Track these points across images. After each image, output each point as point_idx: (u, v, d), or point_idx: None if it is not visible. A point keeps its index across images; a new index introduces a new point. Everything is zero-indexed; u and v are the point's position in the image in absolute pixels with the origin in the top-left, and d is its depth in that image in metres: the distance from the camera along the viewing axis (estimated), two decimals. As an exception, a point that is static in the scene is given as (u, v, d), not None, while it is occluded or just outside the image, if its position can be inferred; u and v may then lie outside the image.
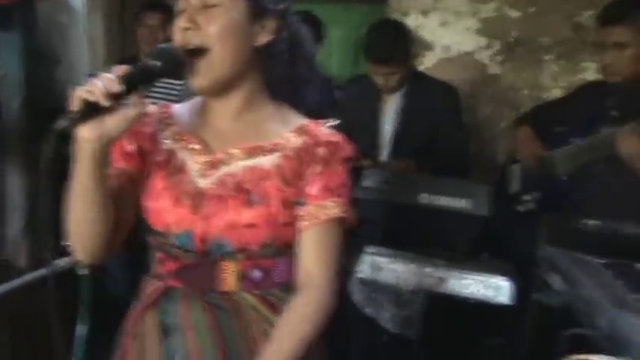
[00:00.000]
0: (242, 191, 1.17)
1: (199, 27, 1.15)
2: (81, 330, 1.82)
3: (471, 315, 2.30)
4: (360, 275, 2.35)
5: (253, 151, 1.20)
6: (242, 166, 1.19)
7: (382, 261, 2.32)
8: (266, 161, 1.19)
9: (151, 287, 1.25)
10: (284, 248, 1.20)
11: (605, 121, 2.09)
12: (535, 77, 3.32)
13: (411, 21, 3.56)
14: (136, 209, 1.22)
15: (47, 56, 3.68)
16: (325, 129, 1.23)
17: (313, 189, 1.19)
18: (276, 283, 1.22)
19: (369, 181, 2.30)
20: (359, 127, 2.59)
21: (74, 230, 1.14)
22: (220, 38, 1.14)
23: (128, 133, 1.14)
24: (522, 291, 2.12)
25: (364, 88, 2.72)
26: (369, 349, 2.41)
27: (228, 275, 1.18)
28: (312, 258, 1.19)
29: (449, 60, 3.58)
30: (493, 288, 2.20)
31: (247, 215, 1.15)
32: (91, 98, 1.02)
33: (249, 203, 1.16)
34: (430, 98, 2.65)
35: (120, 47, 4.02)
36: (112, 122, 1.05)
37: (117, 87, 1.03)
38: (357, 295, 2.37)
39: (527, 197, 2.40)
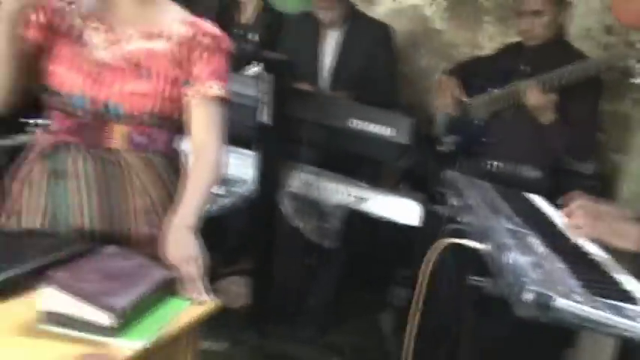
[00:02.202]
0: (138, 66, 1.42)
1: None
2: None
3: (385, 232, 2.61)
4: (290, 190, 2.61)
5: (148, 35, 1.45)
6: (138, 45, 1.44)
7: (311, 178, 2.59)
8: (158, 44, 1.44)
9: (44, 139, 1.48)
10: (166, 120, 1.46)
11: (518, 75, 2.37)
12: (474, 36, 3.58)
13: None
14: (38, 75, 1.43)
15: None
16: (209, 24, 1.49)
17: (199, 71, 1.45)
18: (157, 150, 1.47)
19: (306, 105, 2.54)
20: (301, 57, 2.86)
21: None
22: None
23: (41, 7, 1.37)
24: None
25: (308, 23, 2.96)
26: (292, 251, 2.69)
27: (118, 136, 1.43)
28: (203, 129, 1.46)
29: (398, 10, 3.81)
30: (405, 210, 2.50)
31: (139, 86, 1.41)
32: None
33: (141, 76, 1.41)
34: (366, 35, 2.91)
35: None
36: None
37: None
38: (287, 208, 2.63)
39: (447, 139, 2.68)
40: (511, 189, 1.93)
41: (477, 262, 1.43)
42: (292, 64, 2.70)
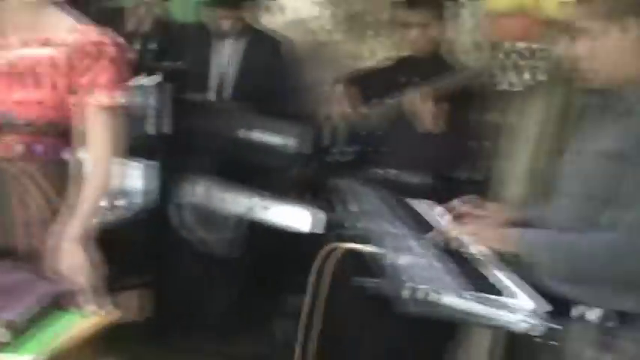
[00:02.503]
0: (26, 74, 1.42)
1: None
2: None
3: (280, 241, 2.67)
4: (188, 200, 2.63)
5: (32, 43, 1.44)
6: (26, 53, 1.43)
7: (207, 189, 2.61)
8: (45, 52, 1.44)
9: None
10: (58, 128, 1.46)
11: (408, 86, 2.52)
12: (358, 49, 3.73)
13: (263, -19, 3.82)
14: None
15: None
16: (96, 31, 1.49)
17: (84, 80, 1.45)
18: (51, 159, 1.47)
19: (200, 115, 2.57)
20: (197, 67, 2.90)
21: None
22: None
23: None
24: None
25: (201, 34, 3.01)
26: (190, 261, 2.71)
27: (9, 145, 1.43)
28: (95, 140, 1.46)
29: (296, 22, 3.90)
30: (297, 218, 2.58)
31: (30, 94, 1.41)
32: None
33: (31, 84, 1.42)
34: (261, 47, 3.01)
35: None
36: None
37: None
38: (179, 217, 2.64)
39: (343, 148, 2.78)
40: (396, 195, 2.05)
41: (364, 265, 1.53)
42: (190, 73, 2.73)
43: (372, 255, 1.48)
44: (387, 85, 2.61)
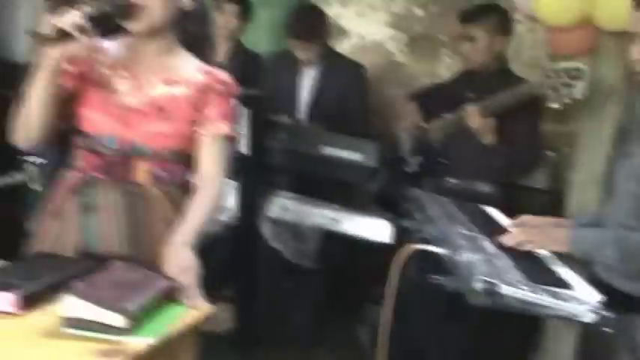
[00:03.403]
0: (160, 109, 1.60)
1: None
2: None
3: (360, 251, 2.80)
4: (270, 215, 2.81)
5: (170, 82, 1.63)
6: (161, 91, 1.62)
7: (288, 203, 2.79)
8: (178, 90, 1.63)
9: (72, 176, 1.64)
10: (184, 156, 1.64)
11: (466, 101, 2.63)
12: (432, 67, 3.86)
13: (332, 10, 4.02)
14: (68, 117, 1.62)
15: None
16: (221, 72, 1.68)
17: (210, 113, 1.63)
18: (175, 183, 1.65)
19: (282, 135, 2.76)
20: (280, 92, 3.11)
21: (22, 119, 1.56)
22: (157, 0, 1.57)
23: (74, 58, 1.55)
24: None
25: (286, 61, 3.20)
26: (273, 274, 2.87)
27: (142, 171, 1.61)
28: (208, 163, 1.64)
29: (363, 47, 4.08)
30: (376, 229, 2.71)
31: (162, 127, 1.60)
32: (63, 27, 1.42)
33: (164, 118, 1.60)
34: (340, 73, 3.17)
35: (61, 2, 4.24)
36: (73, 47, 1.46)
37: (83, 22, 1.44)
38: (267, 231, 2.83)
39: (411, 160, 2.91)
40: (467, 202, 2.16)
41: (438, 265, 1.64)
42: (267, 98, 2.92)
43: (445, 255, 1.59)
44: (450, 100, 2.73)
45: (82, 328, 1.23)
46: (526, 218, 1.84)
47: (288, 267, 2.83)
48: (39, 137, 1.58)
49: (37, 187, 2.38)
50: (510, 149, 2.56)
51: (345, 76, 3.16)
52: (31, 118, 1.54)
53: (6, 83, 3.75)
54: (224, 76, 1.68)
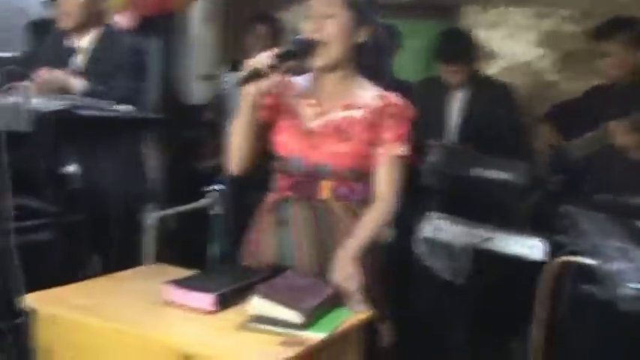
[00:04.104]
0: (339, 131, 1.81)
1: (322, 28, 1.79)
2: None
3: (512, 269, 2.84)
4: (423, 234, 2.94)
5: (348, 107, 1.84)
6: (340, 115, 1.83)
7: (441, 223, 2.90)
8: (356, 114, 1.82)
9: (271, 197, 1.91)
10: (363, 175, 1.83)
11: (607, 116, 2.61)
12: (586, 84, 3.80)
13: (479, 34, 4.12)
14: (266, 143, 1.88)
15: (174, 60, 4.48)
16: (396, 96, 1.86)
17: (386, 134, 1.81)
18: (356, 199, 1.84)
19: (434, 158, 2.90)
20: (431, 116, 3.24)
21: (233, 150, 1.84)
22: (336, 37, 1.79)
23: (269, 92, 1.80)
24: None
25: (435, 86, 3.35)
26: (427, 291, 2.99)
27: (325, 189, 1.82)
28: (384, 181, 1.82)
29: (512, 68, 4.12)
30: (529, 247, 2.74)
31: (342, 147, 1.79)
32: (257, 66, 1.69)
33: (343, 139, 1.80)
34: (489, 94, 3.26)
35: (228, 54, 4.73)
36: (266, 83, 1.72)
37: (273, 61, 1.70)
38: (420, 250, 2.96)
39: (553, 179, 2.92)
40: (623, 218, 2.15)
41: (591, 276, 1.69)
42: (417, 123, 3.07)
43: (596, 266, 1.65)
44: (587, 116, 2.72)
45: (266, 323, 1.46)
46: None
47: (442, 284, 2.93)
48: (248, 164, 1.86)
49: (218, 211, 2.72)
50: None
51: (494, 98, 3.24)
52: (239, 148, 1.83)
53: (186, 123, 4.30)
54: (398, 100, 1.84)
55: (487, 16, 4.13)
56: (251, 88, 1.72)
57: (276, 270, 1.72)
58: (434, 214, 2.93)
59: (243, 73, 1.70)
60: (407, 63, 4.17)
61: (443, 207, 2.94)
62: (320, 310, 1.52)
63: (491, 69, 4.11)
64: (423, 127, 3.20)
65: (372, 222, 1.78)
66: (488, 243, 2.82)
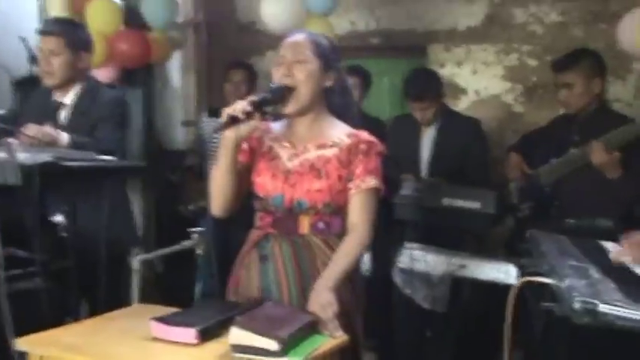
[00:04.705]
0: (314, 169, 1.94)
1: (293, 74, 1.93)
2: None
3: (486, 293, 2.95)
4: (400, 265, 3.05)
5: (321, 146, 1.97)
6: (314, 154, 1.96)
7: (417, 254, 3.02)
8: (328, 152, 1.95)
9: (254, 234, 2.02)
10: (338, 209, 1.95)
11: (571, 143, 2.78)
12: (551, 113, 3.98)
13: (447, 70, 4.32)
14: (247, 184, 1.99)
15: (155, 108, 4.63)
16: (365, 134, 1.99)
17: (358, 169, 1.93)
18: (333, 233, 1.95)
19: (406, 191, 3.03)
20: (403, 152, 3.40)
21: (215, 193, 1.94)
22: (305, 82, 1.93)
23: (248, 137, 1.92)
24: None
25: (407, 123, 3.53)
26: (407, 318, 3.09)
27: (304, 224, 1.94)
28: (357, 213, 1.93)
29: (480, 102, 4.30)
30: (504, 272, 2.86)
31: (317, 184, 1.92)
32: (234, 114, 1.82)
33: (318, 177, 1.92)
34: (458, 129, 3.44)
35: (207, 100, 4.87)
36: (244, 128, 1.85)
37: (248, 108, 1.83)
38: (399, 280, 3.07)
39: (523, 206, 3.06)
40: (585, 239, 2.28)
41: (549, 294, 1.81)
42: (390, 159, 3.21)
43: (553, 284, 1.76)
44: (553, 144, 2.88)
45: (246, 352, 1.55)
46: (636, 235, 1.95)
47: (422, 313, 3.03)
48: (229, 206, 1.97)
49: (200, 251, 2.83)
50: (628, 182, 2.65)
51: (462, 132, 3.42)
52: (221, 191, 1.93)
53: (169, 168, 4.42)
54: (367, 136, 1.98)
55: (452, 54, 4.33)
56: (230, 134, 1.85)
57: (258, 303, 1.82)
58: (409, 245, 3.06)
59: (221, 120, 1.83)
60: (378, 100, 4.36)
61: (418, 238, 3.06)
62: (296, 338, 1.61)
63: (461, 104, 4.30)
64: (397, 162, 3.38)
65: (348, 253, 1.89)
66: (463, 270, 2.94)
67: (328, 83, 1.98)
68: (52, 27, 2.78)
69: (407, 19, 4.41)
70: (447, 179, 3.27)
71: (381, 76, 4.33)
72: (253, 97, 1.87)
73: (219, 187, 1.93)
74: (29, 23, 4.41)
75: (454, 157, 3.38)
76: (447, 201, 2.93)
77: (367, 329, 3.34)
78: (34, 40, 3.09)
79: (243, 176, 1.97)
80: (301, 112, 1.97)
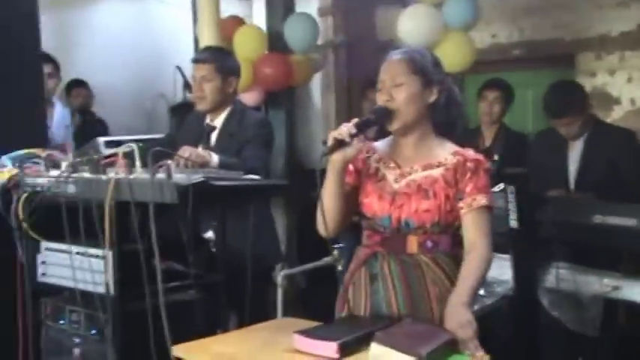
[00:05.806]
0: (421, 190, 1.93)
1: (393, 98, 1.94)
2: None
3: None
4: (546, 285, 2.92)
5: (427, 166, 1.96)
6: (420, 175, 1.96)
7: (564, 273, 2.87)
8: (435, 172, 1.95)
9: (362, 252, 2.03)
10: (446, 228, 1.93)
11: None
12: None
13: (599, 79, 4.09)
14: (354, 205, 2.02)
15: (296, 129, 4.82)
16: (471, 151, 1.96)
17: (468, 188, 1.91)
18: (441, 251, 1.94)
19: (555, 208, 2.90)
20: (550, 167, 3.30)
21: (323, 215, 1.96)
22: (405, 104, 1.94)
23: (354, 159, 1.95)
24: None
25: (552, 137, 3.37)
26: (555, 341, 2.94)
27: (412, 243, 1.93)
28: (473, 231, 1.90)
29: (636, 112, 4.02)
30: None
31: (424, 205, 1.91)
32: (340, 137, 1.85)
33: (425, 197, 1.92)
34: (609, 142, 3.23)
35: (347, 120, 4.97)
36: (350, 151, 1.87)
37: (354, 130, 1.86)
38: (545, 301, 2.93)
39: None
40: None
41: None
42: (534, 175, 3.10)
43: None
44: None
45: (387, 369, 1.57)
46: None
47: (571, 336, 2.87)
48: (337, 227, 2.00)
49: (340, 266, 2.88)
50: None
51: (613, 144, 3.21)
52: (328, 213, 1.96)
53: (312, 187, 4.56)
54: (474, 154, 1.97)
55: (604, 62, 4.09)
56: (337, 157, 1.88)
57: (398, 320, 1.84)
58: (555, 264, 2.91)
59: (328, 144, 1.88)
60: (522, 114, 4.22)
61: (566, 256, 2.91)
62: (436, 355, 1.60)
63: (614, 114, 4.04)
64: (543, 178, 3.25)
65: (473, 269, 1.87)
66: (617, 292, 2.75)
67: (432, 98, 1.97)
68: (204, 55, 3.01)
69: (553, 28, 4.25)
70: (597, 194, 3.09)
71: (524, 88, 4.18)
72: (357, 120, 1.89)
73: (328, 209, 1.95)
74: (184, 54, 4.79)
75: (604, 171, 3.18)
76: (598, 218, 2.75)
77: (511, 350, 3.26)
78: (187, 69, 3.34)
79: (350, 198, 2.00)
80: (405, 131, 1.98)
